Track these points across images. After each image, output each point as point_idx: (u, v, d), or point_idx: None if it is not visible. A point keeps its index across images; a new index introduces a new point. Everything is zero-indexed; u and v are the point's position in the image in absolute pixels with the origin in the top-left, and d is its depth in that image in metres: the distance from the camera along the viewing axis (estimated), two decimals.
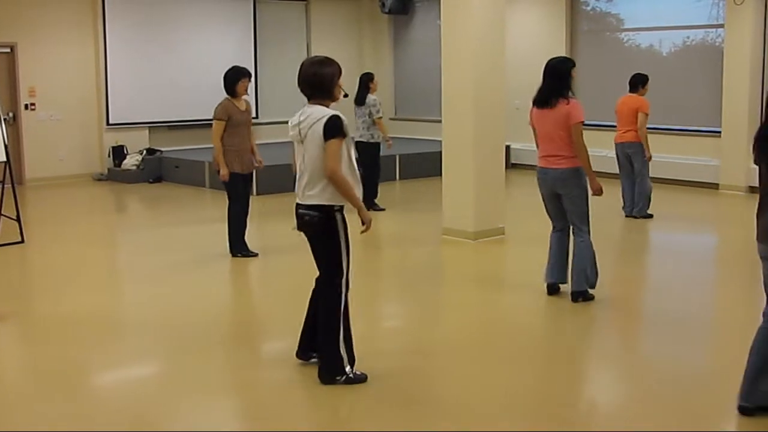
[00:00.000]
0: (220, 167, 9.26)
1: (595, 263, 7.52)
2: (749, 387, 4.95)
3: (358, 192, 5.57)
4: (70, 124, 16.25)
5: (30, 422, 5.32)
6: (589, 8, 16.43)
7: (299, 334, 5.94)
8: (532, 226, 9.87)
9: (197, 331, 7.05)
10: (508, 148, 15.66)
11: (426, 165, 15.41)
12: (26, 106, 15.79)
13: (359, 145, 12.31)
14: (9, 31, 15.37)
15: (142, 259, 9.84)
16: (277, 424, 5.18)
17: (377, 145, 12.48)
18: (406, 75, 19.78)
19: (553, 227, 7.73)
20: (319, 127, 5.41)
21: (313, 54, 18.66)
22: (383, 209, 12.54)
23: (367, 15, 20.05)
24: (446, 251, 10.06)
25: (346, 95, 5.78)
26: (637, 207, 11.61)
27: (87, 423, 5.23)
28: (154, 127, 17.00)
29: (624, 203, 11.80)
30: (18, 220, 10.43)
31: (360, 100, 12.41)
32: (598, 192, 7.47)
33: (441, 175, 10.60)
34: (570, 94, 7.36)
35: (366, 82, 12.54)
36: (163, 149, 16.66)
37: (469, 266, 9.44)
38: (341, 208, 5.59)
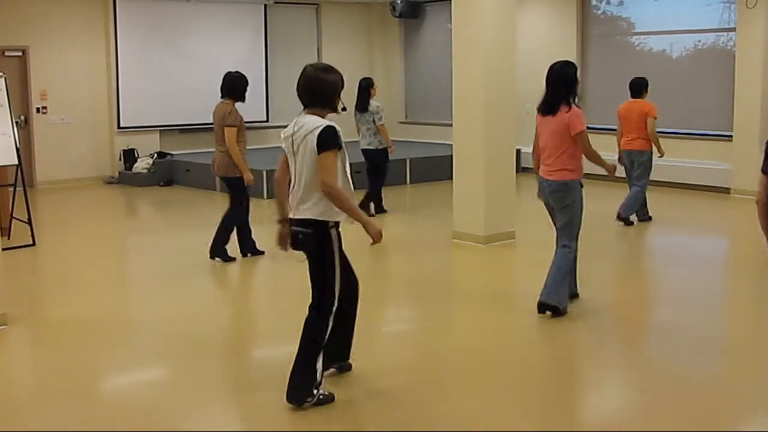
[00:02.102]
0: (244, 173, 9.27)
1: (572, 280, 7.38)
2: None
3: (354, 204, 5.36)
4: (81, 128, 16.28)
5: (41, 425, 5.32)
6: (599, 12, 16.41)
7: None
8: (543, 231, 9.83)
9: (208, 334, 7.06)
10: (518, 151, 15.65)
11: (436, 169, 15.39)
12: (38, 110, 15.84)
13: (368, 153, 12.21)
14: (21, 34, 15.41)
15: (152, 262, 9.85)
16: (286, 426, 5.19)
17: (386, 150, 12.23)
18: (417, 79, 19.77)
19: (557, 239, 7.43)
20: (313, 139, 5.15)
21: (324, 58, 18.73)
22: (386, 211, 12.43)
23: (377, 19, 20.06)
24: (457, 256, 10.05)
25: (344, 109, 5.52)
26: (626, 211, 11.24)
27: (97, 426, 5.24)
28: (165, 130, 17.02)
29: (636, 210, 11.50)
30: (29, 223, 10.45)
31: (362, 107, 12.11)
32: (612, 172, 7.41)
33: (452, 178, 10.59)
34: (575, 101, 7.15)
35: (367, 87, 12.18)
36: (173, 153, 16.67)
37: (479, 271, 9.42)
38: (336, 224, 5.32)
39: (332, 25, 19.41)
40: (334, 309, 5.38)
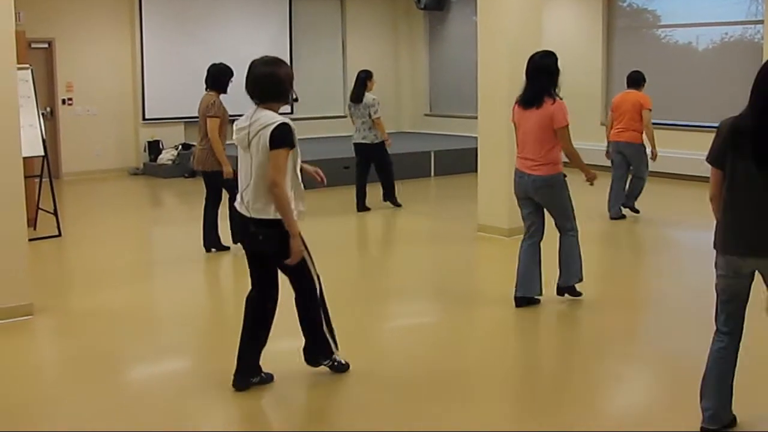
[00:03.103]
0: (224, 165, 9.19)
1: (579, 258, 7.27)
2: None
3: (302, 206, 5.20)
4: (106, 119, 16.36)
5: (65, 415, 5.36)
6: (625, 4, 16.31)
7: (236, 359, 5.55)
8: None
9: (234, 326, 7.07)
10: None
11: (461, 161, 15.36)
12: (63, 101, 15.92)
13: (364, 148, 11.98)
14: (47, 26, 15.48)
15: (177, 253, 9.86)
16: (299, 421, 5.19)
17: (382, 144, 11.94)
18: (442, 71, 19.73)
19: (524, 234, 7.33)
20: (266, 135, 5.01)
21: (348, 51, 18.76)
22: (400, 205, 12.15)
23: (402, 11, 20.03)
24: (480, 248, 10.02)
25: (296, 99, 5.45)
26: (629, 202, 11.12)
27: (123, 418, 5.26)
28: (189, 122, 16.99)
29: (609, 205, 11.20)
30: (55, 213, 10.50)
31: (357, 98, 11.81)
32: (592, 178, 7.19)
33: (476, 171, 10.57)
34: (557, 92, 6.95)
35: (364, 79, 11.87)
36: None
37: (502, 264, 9.36)
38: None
39: (357, 18, 19.41)
40: (320, 290, 5.48)
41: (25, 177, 7.42)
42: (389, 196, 12.16)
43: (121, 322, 7.21)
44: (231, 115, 9.11)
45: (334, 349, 5.60)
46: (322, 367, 5.67)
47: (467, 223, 10.78)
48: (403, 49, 20.17)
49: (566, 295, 7.35)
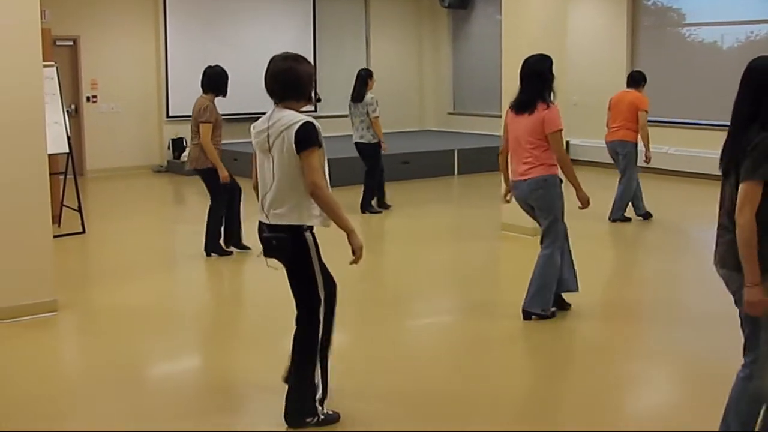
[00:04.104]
0: (220, 170, 9.18)
1: (554, 285, 6.90)
2: None
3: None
4: (130, 117, 16.43)
5: (88, 410, 5.38)
6: (650, 3, 16.23)
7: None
8: (590, 222, 9.80)
9: (258, 324, 7.08)
10: (567, 143, 15.55)
11: (484, 160, 15.31)
12: (88, 99, 16.00)
13: (359, 147, 11.89)
14: (72, 24, 15.56)
15: (200, 251, 9.88)
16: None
17: (378, 144, 11.80)
18: (465, 70, 19.70)
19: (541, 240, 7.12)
20: (290, 135, 4.61)
21: (372, 49, 18.73)
22: (379, 212, 11.84)
23: (426, 9, 20.01)
24: (504, 247, 10.00)
25: (319, 99, 5.14)
26: (617, 211, 10.87)
27: (143, 416, 5.28)
28: None
29: (633, 203, 11.05)
30: (79, 210, 10.55)
31: (358, 97, 11.75)
32: (585, 204, 6.90)
33: (499, 170, 10.52)
34: (551, 97, 6.73)
35: (365, 78, 11.80)
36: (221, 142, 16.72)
37: (524, 263, 9.34)
38: (310, 227, 4.80)
39: (381, 17, 19.40)
40: (322, 316, 4.88)
41: (50, 174, 7.45)
42: (366, 204, 11.85)
43: (144, 319, 7.24)
44: (232, 115, 9.15)
45: (318, 405, 4.89)
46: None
47: (491, 221, 10.75)
48: (427, 47, 20.15)
49: (533, 317, 6.89)
